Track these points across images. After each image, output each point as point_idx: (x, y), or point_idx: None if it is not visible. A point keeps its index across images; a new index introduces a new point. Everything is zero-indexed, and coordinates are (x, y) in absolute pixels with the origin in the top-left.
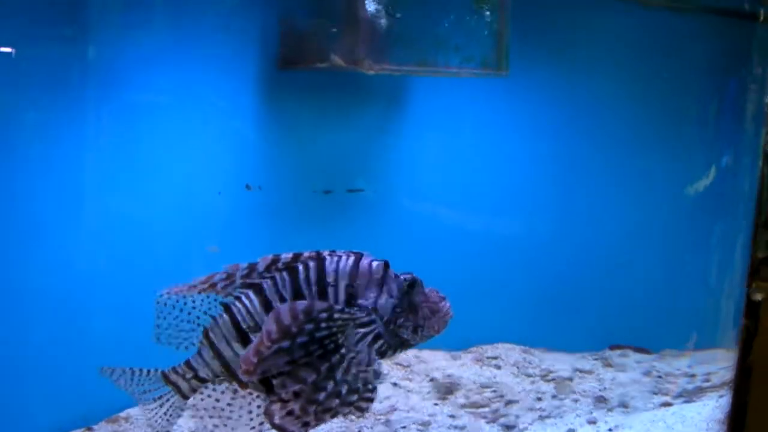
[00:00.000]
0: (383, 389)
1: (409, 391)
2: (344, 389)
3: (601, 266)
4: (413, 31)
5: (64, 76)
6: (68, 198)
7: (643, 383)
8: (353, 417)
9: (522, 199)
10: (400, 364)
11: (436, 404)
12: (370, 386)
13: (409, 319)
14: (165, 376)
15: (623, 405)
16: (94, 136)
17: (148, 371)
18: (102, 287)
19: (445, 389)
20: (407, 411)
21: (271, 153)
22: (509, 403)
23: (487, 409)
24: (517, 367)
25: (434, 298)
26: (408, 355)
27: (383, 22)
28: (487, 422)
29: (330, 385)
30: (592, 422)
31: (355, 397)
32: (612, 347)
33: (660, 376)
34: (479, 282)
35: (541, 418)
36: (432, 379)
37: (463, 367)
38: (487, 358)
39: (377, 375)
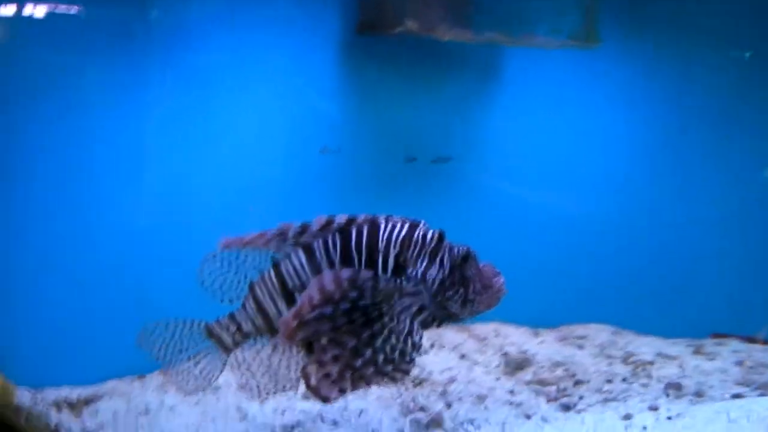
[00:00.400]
0: (448, 359)
1: (476, 363)
2: (381, 358)
3: (704, 250)
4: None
5: (130, 37)
6: (134, 160)
7: (729, 373)
8: (388, 385)
9: (619, 179)
10: (475, 336)
11: (498, 378)
12: (407, 358)
13: (458, 293)
14: (209, 329)
15: (698, 394)
16: (166, 98)
17: (192, 322)
18: (166, 246)
19: (516, 365)
20: (467, 383)
21: (351, 118)
22: (578, 383)
23: (553, 388)
24: (601, 348)
25: (488, 273)
26: (488, 328)
27: None
28: (548, 401)
29: (368, 352)
30: (654, 409)
31: (390, 367)
32: (714, 335)
33: (752, 367)
34: (574, 262)
35: (605, 400)
36: (505, 354)
37: (542, 345)
38: (574, 337)
39: (417, 347)
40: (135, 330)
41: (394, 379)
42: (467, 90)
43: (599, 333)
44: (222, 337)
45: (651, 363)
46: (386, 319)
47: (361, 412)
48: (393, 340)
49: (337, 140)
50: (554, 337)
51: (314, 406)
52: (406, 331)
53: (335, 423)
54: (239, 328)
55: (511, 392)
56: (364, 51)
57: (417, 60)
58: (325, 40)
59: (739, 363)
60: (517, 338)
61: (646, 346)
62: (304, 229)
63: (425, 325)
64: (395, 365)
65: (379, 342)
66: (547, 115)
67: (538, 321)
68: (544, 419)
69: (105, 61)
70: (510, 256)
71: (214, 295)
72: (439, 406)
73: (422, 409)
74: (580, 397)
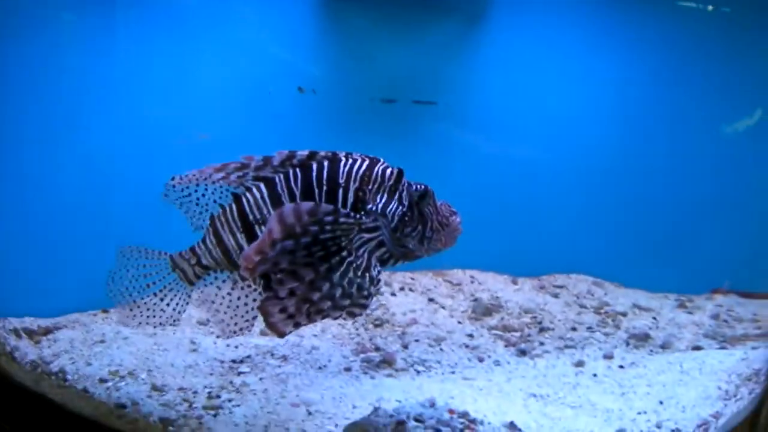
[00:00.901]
0: (414, 302)
1: (443, 307)
2: (338, 292)
3: (707, 207)
4: None
5: None
6: (108, 97)
7: (703, 326)
8: (344, 319)
9: (608, 128)
10: (449, 281)
11: (459, 322)
12: (365, 292)
13: (416, 229)
14: (172, 260)
15: (664, 345)
16: (133, 32)
17: (159, 252)
18: (133, 182)
19: (484, 310)
20: (427, 325)
21: (329, 57)
22: (543, 330)
23: (517, 334)
24: (577, 297)
25: (445, 212)
26: (465, 274)
27: None
28: (505, 345)
29: (326, 286)
30: (609, 357)
31: (347, 301)
32: (714, 291)
33: (726, 321)
34: (559, 213)
35: (565, 347)
36: (476, 299)
37: (517, 292)
38: (552, 286)
39: (374, 282)
40: (100, 265)
41: (351, 314)
42: (449, 34)
43: (579, 283)
44: (184, 269)
45: (623, 314)
46: (344, 253)
47: (312, 348)
48: (351, 274)
49: (315, 81)
50: (532, 285)
51: (268, 342)
52: (364, 265)
53: (285, 358)
54: (198, 261)
55: (470, 336)
56: None
57: (400, 3)
58: None
59: (715, 316)
60: (492, 285)
61: (624, 298)
62: (266, 162)
63: (383, 262)
64: (352, 300)
65: (336, 276)
66: (530, 62)
67: (521, 270)
68: (497, 363)
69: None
70: (492, 206)
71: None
72: (395, 346)
73: (377, 348)
74: (540, 343)
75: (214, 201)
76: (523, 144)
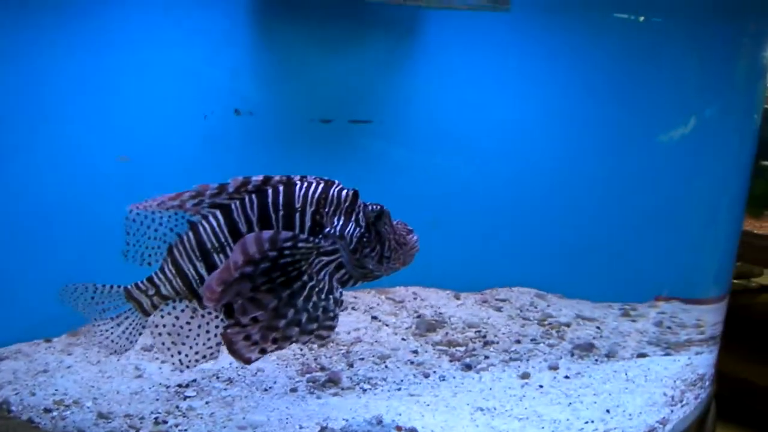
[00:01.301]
0: (357, 321)
1: (387, 325)
2: (304, 317)
3: (646, 216)
4: None
5: None
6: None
7: (647, 333)
8: (314, 345)
9: (549, 144)
10: (392, 299)
11: (404, 339)
12: (330, 314)
13: (375, 250)
14: (127, 292)
15: (609, 354)
16: (68, 54)
17: (111, 287)
18: (75, 205)
19: (427, 326)
20: (371, 344)
21: (265, 79)
22: (487, 344)
23: (461, 348)
24: (520, 310)
25: (402, 231)
26: (407, 291)
27: None
28: (450, 360)
29: (290, 312)
30: (554, 368)
31: (314, 325)
32: (657, 298)
33: (669, 327)
34: (499, 226)
35: (510, 360)
36: (419, 316)
37: (461, 307)
38: (495, 299)
39: (338, 303)
40: (43, 294)
41: (320, 337)
42: (385, 52)
43: (522, 296)
44: (141, 300)
45: (567, 325)
46: (305, 277)
47: (257, 370)
48: (314, 297)
49: (250, 102)
50: (475, 300)
51: (213, 365)
52: (326, 288)
53: (230, 380)
54: (158, 290)
55: (415, 352)
56: (278, 12)
57: (333, 20)
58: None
59: (659, 324)
60: (435, 301)
61: (567, 309)
62: (220, 189)
63: (343, 284)
64: (319, 323)
65: (300, 301)
66: (466, 76)
67: (463, 285)
68: (442, 378)
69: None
70: (431, 221)
71: (134, 259)
72: (340, 365)
73: (322, 368)
74: (485, 357)
75: (171, 229)
76: (461, 158)
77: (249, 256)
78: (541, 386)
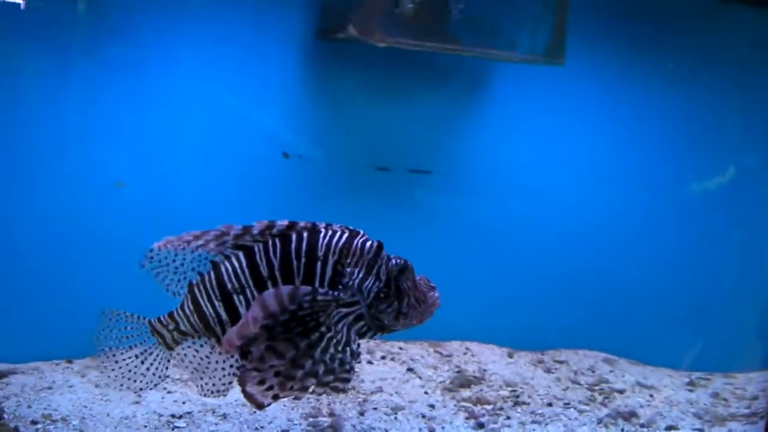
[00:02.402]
0: (391, 371)
1: (420, 377)
2: (321, 369)
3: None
4: (440, 7)
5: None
6: (75, 156)
7: (697, 404)
8: (327, 395)
9: (605, 200)
10: (440, 352)
11: (426, 392)
12: (347, 366)
13: (392, 305)
14: (151, 325)
15: (647, 424)
16: (114, 92)
17: (139, 317)
18: (111, 243)
19: (463, 381)
20: (391, 394)
21: (318, 124)
22: (518, 404)
23: (489, 407)
24: (574, 373)
25: (423, 287)
26: (461, 346)
27: None
28: (467, 418)
29: (308, 363)
30: None
31: (331, 377)
32: None
33: (726, 399)
34: (575, 285)
35: (532, 422)
36: (459, 371)
37: (509, 366)
38: (554, 360)
39: (355, 356)
40: (66, 316)
41: (336, 389)
42: (445, 102)
43: (585, 359)
44: (163, 334)
45: (621, 391)
46: (324, 328)
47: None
48: (332, 349)
49: (302, 146)
50: (530, 359)
51: (216, 399)
52: (344, 340)
53: (224, 416)
54: (177, 326)
55: (432, 407)
56: (334, 58)
57: (392, 69)
58: (288, 44)
59: (715, 395)
60: (486, 357)
61: (632, 375)
62: (245, 231)
63: (361, 335)
64: (335, 375)
65: (317, 352)
66: (523, 131)
67: (524, 344)
68: None
69: (28, 49)
70: (494, 276)
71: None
72: (352, 413)
73: (331, 414)
74: (507, 418)
75: (193, 269)
76: (528, 213)
77: (268, 311)
78: None
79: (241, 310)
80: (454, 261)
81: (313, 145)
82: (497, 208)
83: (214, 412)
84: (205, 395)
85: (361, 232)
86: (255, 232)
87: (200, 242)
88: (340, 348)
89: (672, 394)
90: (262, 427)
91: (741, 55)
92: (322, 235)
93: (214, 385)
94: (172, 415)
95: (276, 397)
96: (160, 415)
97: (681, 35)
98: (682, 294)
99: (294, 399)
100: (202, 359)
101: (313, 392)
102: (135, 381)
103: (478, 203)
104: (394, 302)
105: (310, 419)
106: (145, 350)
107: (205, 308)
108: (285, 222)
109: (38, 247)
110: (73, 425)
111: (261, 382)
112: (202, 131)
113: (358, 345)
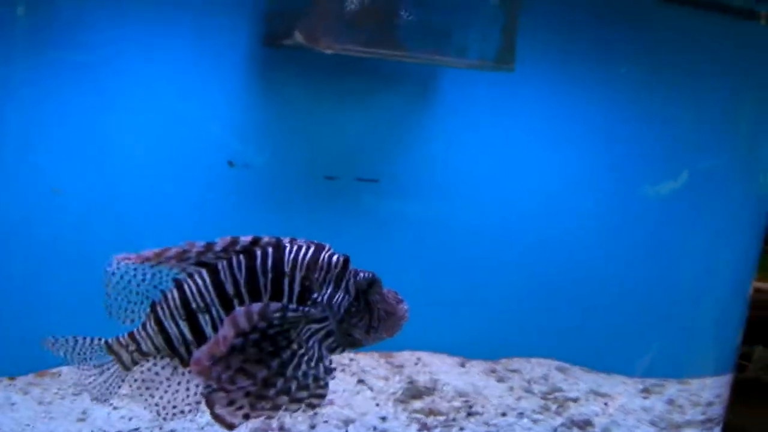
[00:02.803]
0: (342, 383)
1: (371, 389)
2: (294, 386)
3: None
4: (388, 13)
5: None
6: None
7: (652, 411)
8: (303, 412)
9: (555, 208)
10: (391, 363)
11: (377, 405)
12: (321, 382)
13: (363, 320)
14: (108, 346)
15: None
16: (56, 96)
17: (92, 340)
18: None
19: (415, 392)
20: (342, 407)
21: (264, 133)
22: (471, 414)
23: (441, 418)
24: (528, 382)
25: (391, 300)
26: (412, 356)
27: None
28: (419, 430)
29: (280, 381)
30: None
31: (305, 393)
32: None
33: (681, 405)
34: (524, 290)
35: None
36: (411, 382)
37: (462, 375)
38: (506, 370)
39: (328, 371)
40: (7, 332)
41: (311, 406)
42: (393, 109)
43: (538, 367)
44: (121, 355)
45: (575, 400)
46: (295, 345)
47: (207, 424)
48: (304, 366)
49: (248, 155)
50: (482, 369)
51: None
52: (316, 356)
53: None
54: (138, 347)
55: (383, 419)
56: (281, 64)
57: (340, 76)
58: (234, 50)
59: (671, 402)
60: (438, 367)
61: (585, 383)
62: (207, 248)
63: (331, 351)
64: (309, 391)
65: (289, 370)
66: (473, 138)
67: (475, 353)
68: None
69: None
70: (448, 286)
71: (116, 315)
72: (303, 427)
73: (281, 428)
74: (461, 429)
75: (154, 287)
76: (478, 220)
77: (239, 329)
78: None
79: (207, 330)
80: (403, 269)
81: (260, 153)
82: (447, 215)
83: (161, 429)
84: (164, 418)
85: (327, 246)
86: (218, 248)
87: (161, 259)
88: (312, 364)
89: (627, 401)
90: None
91: (688, 58)
92: (287, 250)
93: (175, 407)
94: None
95: (247, 417)
96: None
97: (630, 39)
98: (636, 300)
99: (266, 419)
100: (162, 381)
101: (287, 410)
102: (91, 392)
103: (427, 210)
104: (364, 316)
105: None
106: (102, 365)
107: (169, 328)
108: (248, 237)
109: None
110: None
111: (230, 403)
112: (145, 138)
113: (330, 361)
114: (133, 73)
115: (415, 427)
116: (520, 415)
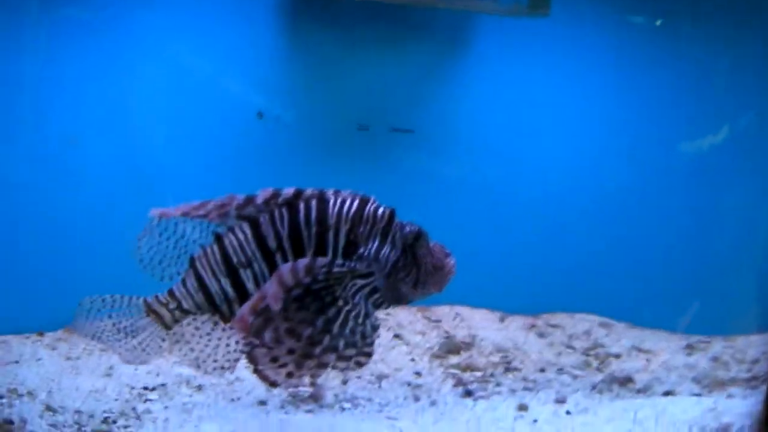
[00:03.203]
0: (378, 339)
1: (407, 344)
2: (341, 343)
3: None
4: None
5: None
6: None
7: (696, 368)
8: (351, 370)
9: (597, 159)
10: (428, 318)
11: (413, 360)
12: (368, 339)
13: (410, 274)
14: (147, 305)
15: (644, 390)
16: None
17: (130, 298)
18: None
19: (452, 347)
20: (376, 362)
21: (293, 83)
22: (509, 370)
23: (478, 373)
24: (569, 338)
25: (438, 254)
26: (451, 310)
27: None
28: (454, 385)
29: (326, 338)
30: (560, 401)
31: (353, 351)
32: None
33: (726, 362)
34: (569, 246)
35: (523, 389)
36: (448, 337)
37: (501, 331)
38: (548, 325)
39: (375, 328)
40: (38, 290)
41: (359, 364)
42: (428, 58)
43: (580, 323)
44: (161, 314)
45: (617, 356)
46: (341, 302)
47: (235, 379)
48: (351, 323)
49: (277, 107)
50: (522, 324)
51: (191, 370)
52: (363, 313)
53: (199, 388)
54: (179, 305)
55: (418, 374)
56: (310, 14)
57: (370, 25)
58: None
59: (715, 359)
60: (477, 323)
61: (628, 339)
62: (248, 201)
63: (376, 307)
64: (357, 349)
65: (336, 327)
66: (512, 87)
67: (518, 308)
68: (433, 403)
69: None
70: (488, 240)
71: (153, 272)
72: (335, 382)
73: (312, 383)
74: (497, 384)
75: (194, 241)
76: (520, 173)
77: (287, 287)
78: (535, 421)
79: (249, 285)
80: (440, 222)
81: (290, 104)
82: (486, 168)
83: (188, 384)
84: (206, 373)
85: (372, 198)
86: (259, 201)
87: (201, 212)
88: (360, 321)
89: (669, 358)
90: (239, 398)
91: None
92: (331, 202)
93: (216, 362)
94: (145, 387)
95: (291, 375)
96: (132, 388)
97: None
98: (681, 256)
99: (311, 378)
100: (202, 336)
101: (334, 367)
102: (126, 352)
103: (465, 163)
104: (412, 270)
105: (290, 389)
106: (138, 327)
107: (209, 284)
108: (291, 190)
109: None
110: (40, 399)
111: (273, 360)
112: (172, 93)
113: (377, 317)
114: (156, 28)
115: (450, 382)
116: (560, 370)
